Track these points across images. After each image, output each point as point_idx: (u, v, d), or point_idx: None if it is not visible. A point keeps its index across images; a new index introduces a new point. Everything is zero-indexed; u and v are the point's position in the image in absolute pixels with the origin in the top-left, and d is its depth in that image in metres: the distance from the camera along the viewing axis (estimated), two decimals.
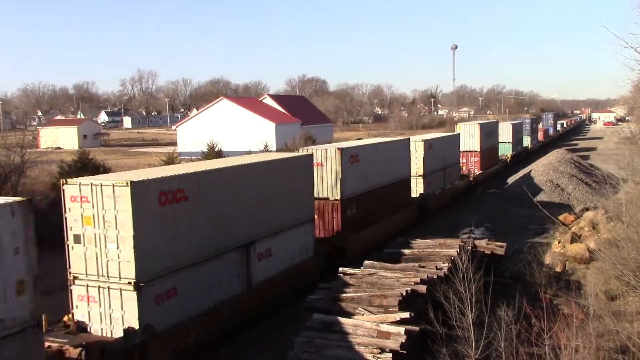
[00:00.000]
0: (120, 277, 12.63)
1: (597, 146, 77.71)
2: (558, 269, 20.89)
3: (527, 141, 68.05)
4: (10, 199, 10.04)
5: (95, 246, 12.84)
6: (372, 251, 21.13)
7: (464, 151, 42.12)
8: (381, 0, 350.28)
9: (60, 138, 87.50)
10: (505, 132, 55.94)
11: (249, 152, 48.94)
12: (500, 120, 71.29)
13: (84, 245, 12.93)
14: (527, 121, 72.40)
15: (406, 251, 18.43)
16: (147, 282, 12.75)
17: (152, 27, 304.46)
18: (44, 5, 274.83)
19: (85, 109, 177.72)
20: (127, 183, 12.37)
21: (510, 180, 45.20)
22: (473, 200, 38.25)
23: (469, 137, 43.80)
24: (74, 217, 12.95)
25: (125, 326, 12.53)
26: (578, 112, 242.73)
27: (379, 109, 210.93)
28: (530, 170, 45.00)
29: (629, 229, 16.09)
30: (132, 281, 12.50)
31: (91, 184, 12.74)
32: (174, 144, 77.99)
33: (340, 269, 16.18)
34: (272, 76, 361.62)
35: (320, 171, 21.58)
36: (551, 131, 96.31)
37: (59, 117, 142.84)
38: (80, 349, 11.73)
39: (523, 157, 61.29)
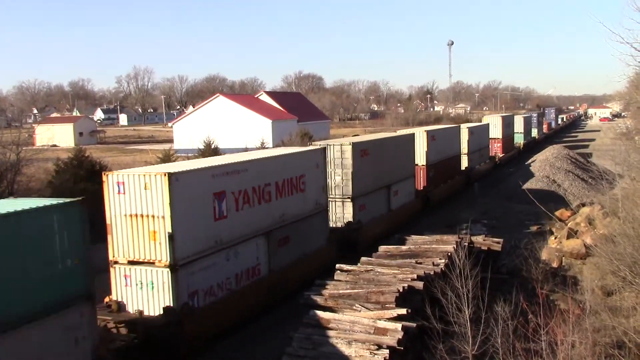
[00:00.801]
0: (343, 195, 23.62)
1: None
2: (554, 265, 20.95)
3: (534, 132, 79.37)
4: (313, 147, 22.23)
5: (328, 178, 22.51)
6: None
7: (490, 138, 52.41)
8: None
9: (56, 135, 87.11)
10: (519, 124, 67.40)
11: (246, 149, 48.92)
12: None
13: None
14: (534, 115, 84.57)
15: (403, 247, 18.44)
16: (356, 197, 23.81)
17: (148, 24, 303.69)
18: (40, 2, 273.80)
19: (81, 106, 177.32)
20: (349, 143, 23.82)
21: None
22: (470, 196, 38.30)
23: (493, 127, 54.57)
24: None
25: (347, 220, 23.59)
26: (572, 107, 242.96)
27: (375, 106, 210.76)
28: (532, 163, 45.69)
29: (625, 224, 16.13)
30: (350, 196, 23.63)
31: (327, 145, 23.40)
32: (170, 141, 77.75)
33: (337, 265, 16.25)
34: (268, 73, 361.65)
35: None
36: (553, 124, 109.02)
37: (54, 115, 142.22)
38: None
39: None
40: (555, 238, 24.11)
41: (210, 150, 43.70)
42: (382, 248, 18.67)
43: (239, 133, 65.61)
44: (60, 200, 11.80)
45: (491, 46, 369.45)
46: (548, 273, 18.52)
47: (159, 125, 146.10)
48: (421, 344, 12.99)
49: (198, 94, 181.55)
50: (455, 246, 17.13)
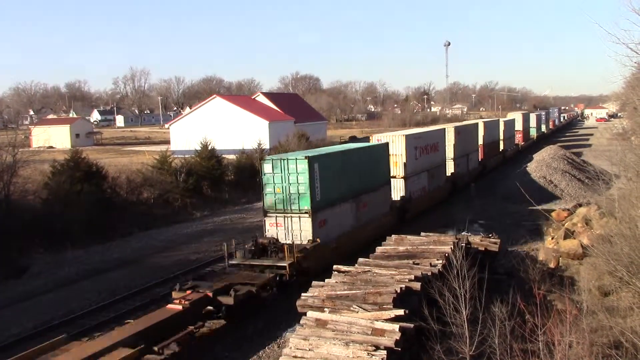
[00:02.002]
0: (447, 157, 38.38)
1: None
2: (551, 265, 20.97)
3: (543, 127, 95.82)
4: (440, 127, 43.18)
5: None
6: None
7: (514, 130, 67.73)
8: None
9: (53, 137, 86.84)
10: (533, 120, 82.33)
11: (243, 151, 48.88)
12: (498, 117, 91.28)
13: None
14: (543, 113, 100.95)
15: (400, 248, 18.43)
16: (455, 159, 39.66)
17: (145, 25, 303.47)
18: (36, 3, 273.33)
19: (78, 107, 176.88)
20: (452, 127, 41.03)
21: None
22: (467, 197, 38.33)
23: (517, 122, 69.78)
24: None
25: (450, 172, 39.11)
26: (567, 108, 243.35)
27: (372, 106, 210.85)
28: (529, 163, 45.98)
29: (621, 224, 16.16)
30: (452, 158, 39.39)
31: (442, 127, 42.25)
32: (167, 142, 77.62)
33: (335, 266, 16.23)
34: (265, 74, 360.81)
35: None
36: (557, 122, 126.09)
37: (51, 116, 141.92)
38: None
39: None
40: (552, 238, 24.14)
41: (207, 151, 43.69)
42: (380, 249, 18.68)
43: (236, 134, 65.42)
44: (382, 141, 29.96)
45: (488, 47, 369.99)
46: (545, 273, 18.51)
47: (155, 127, 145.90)
48: (419, 345, 12.99)
49: (195, 95, 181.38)
50: (452, 247, 17.15)
